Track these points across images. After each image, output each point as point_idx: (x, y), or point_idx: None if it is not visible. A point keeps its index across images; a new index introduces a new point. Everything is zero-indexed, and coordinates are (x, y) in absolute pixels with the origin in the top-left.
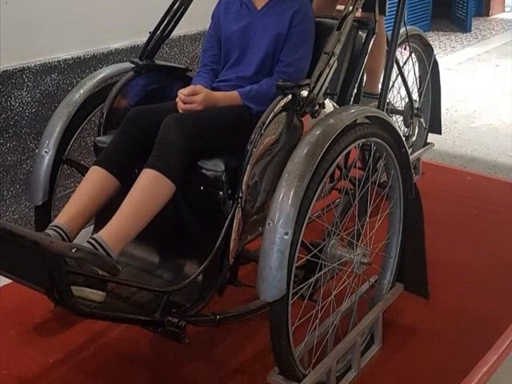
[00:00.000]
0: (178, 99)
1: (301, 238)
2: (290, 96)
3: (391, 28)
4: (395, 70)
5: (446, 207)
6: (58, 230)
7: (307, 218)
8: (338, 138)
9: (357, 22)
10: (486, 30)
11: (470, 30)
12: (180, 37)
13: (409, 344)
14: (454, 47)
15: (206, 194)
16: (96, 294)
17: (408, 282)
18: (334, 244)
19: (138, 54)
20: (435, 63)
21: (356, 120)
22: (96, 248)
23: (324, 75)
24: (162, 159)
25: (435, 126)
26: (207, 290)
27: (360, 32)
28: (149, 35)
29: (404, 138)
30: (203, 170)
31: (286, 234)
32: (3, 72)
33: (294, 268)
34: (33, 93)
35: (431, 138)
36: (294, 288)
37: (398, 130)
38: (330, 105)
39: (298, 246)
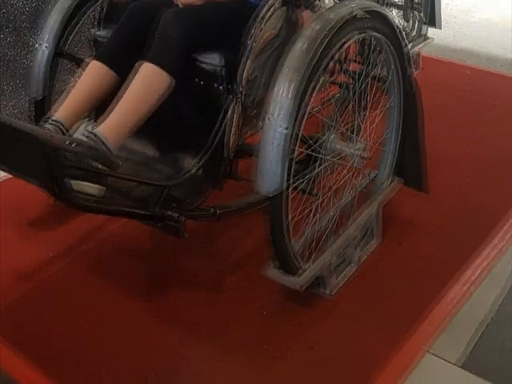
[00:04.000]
0: None
1: (300, 132)
2: None
3: None
4: None
5: (446, 101)
6: (57, 124)
7: (307, 113)
8: (337, 32)
9: None
10: None
11: None
12: None
13: (408, 238)
14: None
15: (206, 88)
16: (95, 189)
17: (407, 176)
18: (333, 138)
19: None
20: None
21: (356, 15)
22: (95, 142)
23: None
24: (161, 53)
25: (435, 21)
26: (207, 184)
27: None
28: None
29: (403, 33)
30: (203, 65)
31: (286, 128)
32: None
33: (293, 162)
34: None
35: (431, 32)
36: (293, 182)
37: (398, 24)
38: None
39: (298, 140)
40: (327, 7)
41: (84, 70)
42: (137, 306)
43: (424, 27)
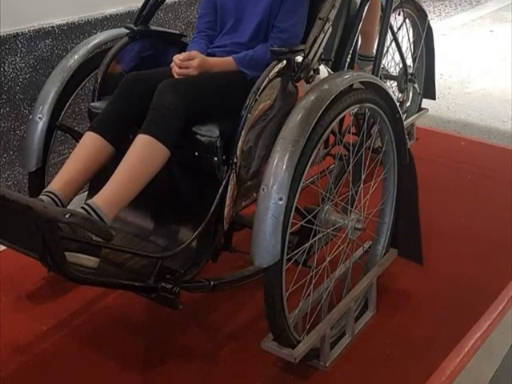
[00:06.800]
0: (173, 64)
1: (295, 203)
2: (284, 61)
3: None
4: (389, 36)
5: (440, 172)
6: (51, 195)
7: (301, 184)
8: (332, 103)
9: None
10: None
11: None
12: (175, 2)
13: (403, 309)
14: (448, 12)
15: (201, 159)
16: (90, 260)
17: (402, 247)
18: (328, 210)
19: (133, 19)
20: (429, 29)
21: (351, 86)
22: (90, 213)
23: (318, 41)
24: (156, 124)
25: (429, 92)
26: (201, 255)
27: None
28: (144, 0)
29: (398, 104)
30: (198, 136)
31: (281, 199)
32: None
33: (288, 234)
34: (26, 59)
35: (425, 103)
36: (288, 254)
37: (392, 95)
38: (324, 70)
39: (293, 211)
40: (322, 78)
41: (79, 142)
42: (132, 379)
43: (419, 98)
